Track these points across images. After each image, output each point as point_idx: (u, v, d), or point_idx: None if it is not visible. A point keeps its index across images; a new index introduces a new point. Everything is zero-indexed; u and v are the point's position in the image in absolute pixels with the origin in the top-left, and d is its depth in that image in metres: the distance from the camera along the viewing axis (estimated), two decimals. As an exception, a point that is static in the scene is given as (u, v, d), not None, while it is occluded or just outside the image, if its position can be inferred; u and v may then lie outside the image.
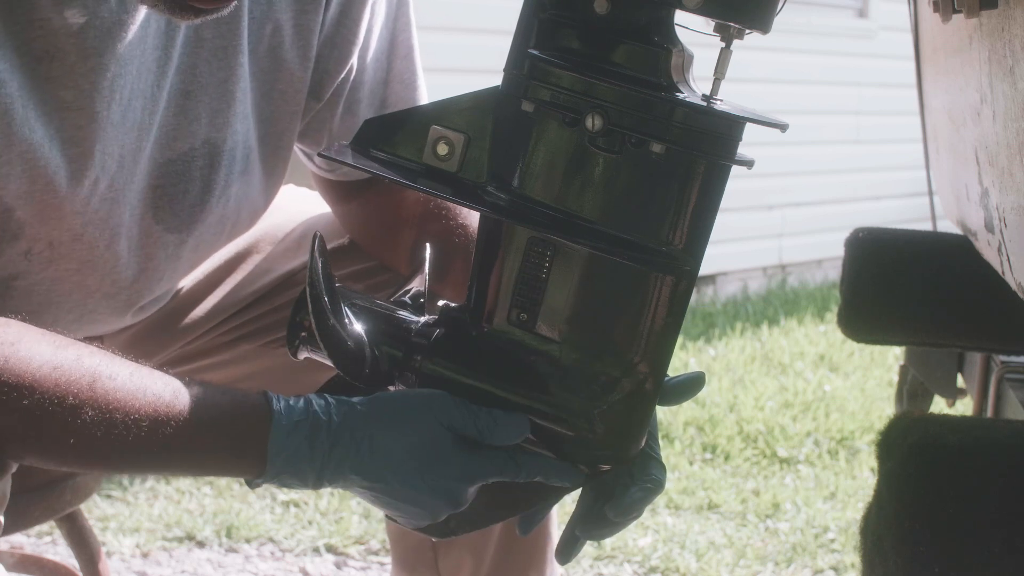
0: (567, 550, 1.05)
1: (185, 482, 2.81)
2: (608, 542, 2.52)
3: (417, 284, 1.09)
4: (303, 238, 1.39)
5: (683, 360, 4.05)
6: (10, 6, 0.98)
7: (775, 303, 5.20)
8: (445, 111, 0.96)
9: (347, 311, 1.00)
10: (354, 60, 1.23)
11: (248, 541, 2.54)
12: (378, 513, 2.58)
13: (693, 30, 0.94)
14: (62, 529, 1.59)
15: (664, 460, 1.04)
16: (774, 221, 5.66)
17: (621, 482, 1.00)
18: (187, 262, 1.23)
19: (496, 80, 0.95)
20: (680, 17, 0.92)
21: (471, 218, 1.24)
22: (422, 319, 1.02)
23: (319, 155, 1.20)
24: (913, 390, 2.18)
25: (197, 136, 1.14)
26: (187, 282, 1.35)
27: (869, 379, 3.92)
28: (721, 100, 0.92)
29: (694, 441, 3.21)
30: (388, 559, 2.16)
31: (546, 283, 0.94)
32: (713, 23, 0.91)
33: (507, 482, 0.98)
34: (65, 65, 1.02)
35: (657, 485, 1.00)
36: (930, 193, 2.19)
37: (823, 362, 4.15)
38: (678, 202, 0.91)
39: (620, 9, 0.90)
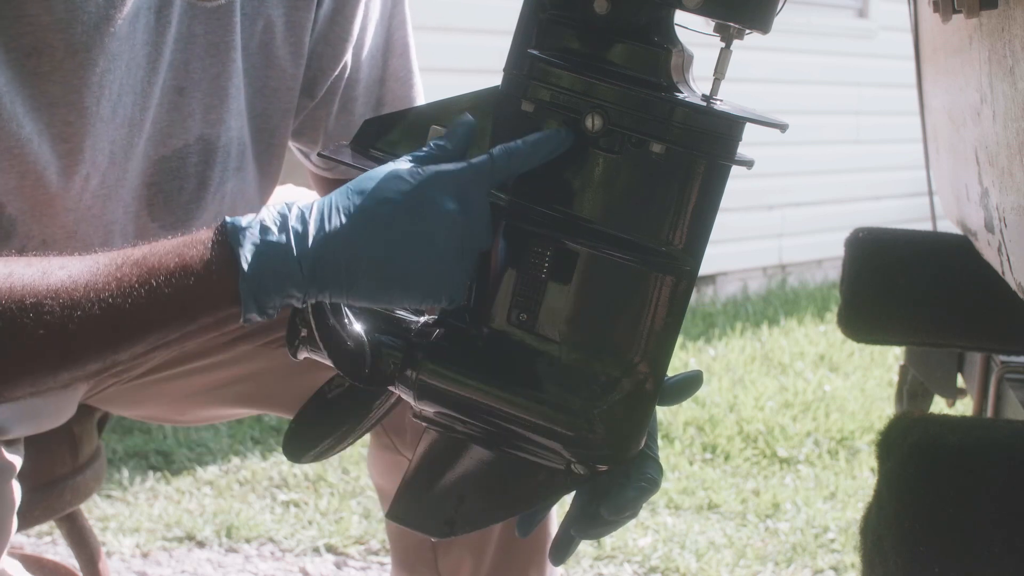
0: (561, 550, 1.05)
1: (185, 482, 2.81)
2: (608, 542, 2.52)
3: (417, 284, 1.09)
4: (303, 238, 1.38)
5: (683, 360, 4.06)
6: None
7: (775, 303, 5.20)
8: (445, 111, 0.96)
9: (347, 311, 1.00)
10: (348, 58, 1.23)
11: (248, 541, 2.54)
12: (378, 513, 2.58)
13: (693, 30, 0.94)
14: (62, 529, 1.59)
15: (664, 460, 1.04)
16: (774, 221, 5.66)
17: (616, 481, 1.00)
18: (185, 261, 1.23)
19: (495, 80, 0.95)
20: (680, 17, 0.92)
21: (471, 218, 1.24)
22: (422, 319, 1.02)
23: (318, 155, 1.20)
24: (913, 390, 2.19)
25: (191, 132, 1.14)
26: (186, 282, 1.34)
27: (869, 379, 3.92)
28: (721, 100, 0.92)
29: (694, 441, 3.21)
30: (388, 559, 2.16)
31: (546, 283, 0.94)
32: (713, 23, 0.91)
33: (505, 478, 0.98)
34: (53, 60, 1.02)
35: (652, 484, 1.00)
36: (930, 193, 2.19)
37: (823, 362, 4.16)
38: (678, 202, 0.91)
39: (620, 9, 0.90)
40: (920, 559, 1.09)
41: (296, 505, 2.70)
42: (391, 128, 0.98)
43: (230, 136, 1.17)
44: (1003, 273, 1.29)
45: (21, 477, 1.14)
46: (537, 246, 0.93)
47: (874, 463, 1.31)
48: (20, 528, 1.30)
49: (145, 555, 2.47)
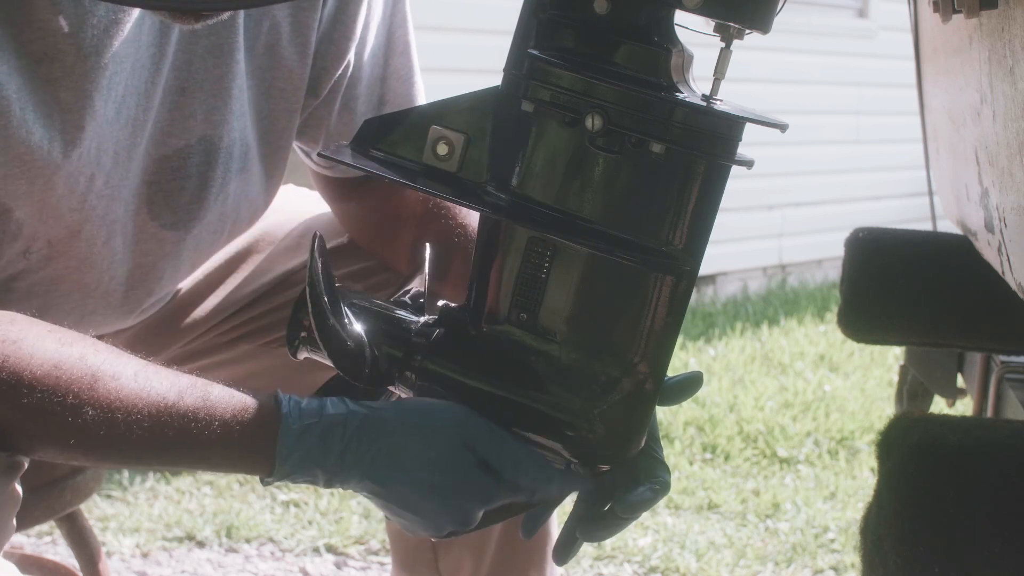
0: (565, 551, 1.05)
1: (185, 482, 2.81)
2: (608, 542, 2.52)
3: (417, 284, 1.09)
4: (303, 238, 1.39)
5: (683, 360, 4.05)
6: (8, 8, 0.98)
7: (775, 303, 5.20)
8: (445, 111, 0.96)
9: (347, 311, 1.00)
10: (351, 56, 1.23)
11: (248, 541, 2.54)
12: (378, 513, 2.58)
13: (693, 30, 0.94)
14: (62, 529, 1.59)
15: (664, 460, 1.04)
16: (774, 221, 5.65)
17: (626, 481, 1.00)
18: (188, 261, 1.23)
19: (495, 80, 0.95)
20: (680, 17, 0.92)
21: (471, 218, 1.24)
22: (422, 319, 1.02)
23: (319, 155, 1.20)
24: (913, 390, 2.18)
25: (192, 133, 1.14)
26: (187, 282, 1.35)
27: (869, 379, 3.92)
28: (721, 100, 0.91)
29: (694, 441, 3.21)
30: (388, 559, 2.16)
31: (546, 283, 0.94)
32: (713, 23, 0.91)
33: None
34: (64, 66, 1.01)
35: (664, 487, 1.00)
36: (930, 193, 2.19)
37: (823, 362, 4.15)
38: (678, 202, 0.91)
39: (620, 9, 0.90)
40: (920, 559, 1.09)
41: (296, 505, 2.70)
42: (391, 128, 0.98)
43: (233, 137, 1.17)
44: (1003, 273, 1.29)
45: (21, 477, 1.14)
46: (537, 246, 0.93)
47: (874, 463, 1.31)
48: (20, 528, 1.30)
49: (145, 555, 2.47)
